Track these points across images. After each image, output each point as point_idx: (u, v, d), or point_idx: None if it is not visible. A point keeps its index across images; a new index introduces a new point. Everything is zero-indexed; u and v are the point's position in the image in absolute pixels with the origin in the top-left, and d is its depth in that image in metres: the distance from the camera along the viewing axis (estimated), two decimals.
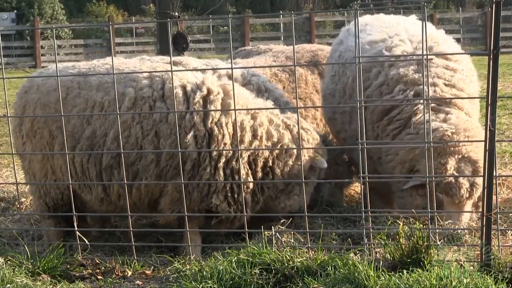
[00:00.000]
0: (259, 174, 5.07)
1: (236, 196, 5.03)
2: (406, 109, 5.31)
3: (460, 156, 5.04)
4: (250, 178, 5.03)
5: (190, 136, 4.91)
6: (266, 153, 5.06)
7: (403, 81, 5.39)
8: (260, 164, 5.06)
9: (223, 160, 4.96)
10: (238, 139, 4.89)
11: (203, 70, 5.49)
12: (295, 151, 5.08)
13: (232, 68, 4.81)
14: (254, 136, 5.05)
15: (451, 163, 4.99)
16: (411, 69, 5.43)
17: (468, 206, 5.08)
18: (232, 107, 4.92)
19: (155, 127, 5.00)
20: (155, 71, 5.24)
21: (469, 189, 5.00)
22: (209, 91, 5.07)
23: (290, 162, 5.11)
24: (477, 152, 5.03)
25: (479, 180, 4.96)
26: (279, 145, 5.11)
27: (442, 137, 5.06)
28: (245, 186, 5.02)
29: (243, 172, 4.94)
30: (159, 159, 4.99)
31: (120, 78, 5.15)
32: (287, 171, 5.11)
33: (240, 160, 4.92)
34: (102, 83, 5.16)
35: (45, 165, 5.33)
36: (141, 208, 5.24)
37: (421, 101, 5.16)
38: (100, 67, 5.37)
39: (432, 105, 5.26)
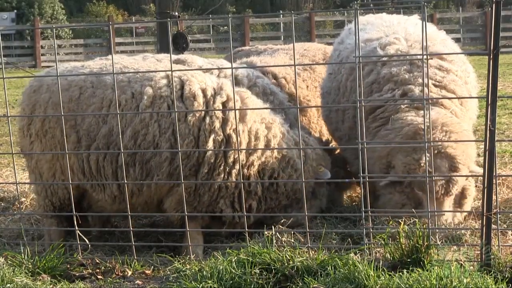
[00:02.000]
0: (266, 184, 5.17)
1: (243, 201, 5.05)
2: (389, 107, 5.31)
3: (435, 152, 4.96)
4: (259, 186, 5.12)
5: (210, 140, 4.96)
6: (275, 164, 5.16)
7: (394, 81, 5.39)
8: (267, 173, 5.16)
9: (237, 167, 5.00)
10: (252, 146, 5.03)
11: (205, 70, 5.49)
12: (299, 166, 5.13)
13: (232, 68, 4.81)
14: (267, 146, 5.12)
15: (425, 159, 4.91)
16: (404, 69, 5.41)
17: (447, 202, 4.99)
18: (249, 117, 5.06)
19: (173, 126, 5.02)
20: (156, 71, 5.24)
21: (444, 185, 4.94)
22: (228, 98, 5.11)
23: (295, 177, 5.20)
24: (455, 148, 4.99)
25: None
26: (287, 159, 5.22)
27: (416, 131, 5.03)
28: (253, 193, 5.10)
29: (253, 179, 5.06)
30: (173, 157, 5.01)
31: (136, 77, 5.18)
32: (290, 185, 5.21)
33: (252, 168, 5.05)
34: (117, 82, 5.16)
35: (54, 165, 5.31)
36: (151, 207, 5.27)
37: (412, 100, 5.17)
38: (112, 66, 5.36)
39: (416, 104, 5.24)
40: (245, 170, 5.05)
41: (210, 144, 4.97)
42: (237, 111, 5.00)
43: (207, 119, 5.01)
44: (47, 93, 5.31)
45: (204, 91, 5.12)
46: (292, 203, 5.29)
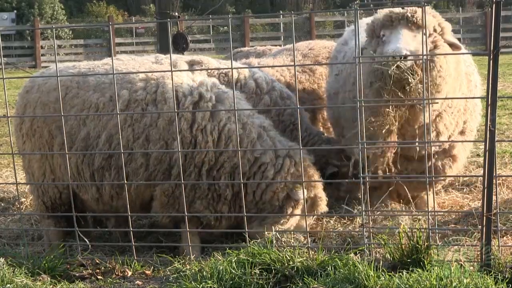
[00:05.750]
0: (236, 189, 4.93)
1: (215, 204, 4.99)
2: None
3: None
4: (229, 189, 4.94)
5: (177, 142, 4.89)
6: (246, 167, 4.92)
7: None
8: (237, 177, 4.87)
9: (205, 167, 4.92)
10: (223, 145, 4.89)
11: (202, 71, 5.48)
12: (270, 175, 4.87)
13: (232, 68, 4.81)
14: (240, 146, 4.90)
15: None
16: None
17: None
18: (222, 115, 4.92)
19: (146, 131, 4.98)
20: (154, 71, 5.23)
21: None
22: (201, 97, 5.03)
23: (263, 185, 4.91)
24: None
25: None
26: (259, 164, 4.94)
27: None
28: (223, 197, 4.95)
29: (223, 181, 4.88)
30: (148, 163, 4.98)
31: (116, 79, 5.10)
32: (259, 193, 4.92)
33: (222, 169, 4.90)
34: (99, 84, 5.15)
35: (44, 164, 5.33)
36: (135, 210, 5.23)
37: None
38: (100, 67, 5.36)
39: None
40: (215, 172, 4.93)
41: (179, 145, 4.88)
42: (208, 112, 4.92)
43: (175, 122, 4.92)
44: (37, 93, 5.34)
45: (176, 93, 4.99)
46: (257, 213, 4.95)
